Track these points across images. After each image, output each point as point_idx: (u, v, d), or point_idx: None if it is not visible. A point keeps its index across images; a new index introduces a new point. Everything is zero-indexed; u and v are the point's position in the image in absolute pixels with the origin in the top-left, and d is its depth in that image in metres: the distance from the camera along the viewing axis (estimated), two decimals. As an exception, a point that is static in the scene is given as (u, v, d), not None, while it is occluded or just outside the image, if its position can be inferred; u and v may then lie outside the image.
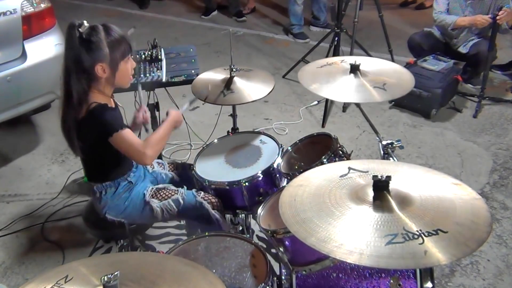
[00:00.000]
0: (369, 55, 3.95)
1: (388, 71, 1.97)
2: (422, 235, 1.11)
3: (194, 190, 2.01)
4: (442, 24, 3.74)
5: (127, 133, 1.77)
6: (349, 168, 1.42)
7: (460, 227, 1.13)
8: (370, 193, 1.26)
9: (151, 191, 1.97)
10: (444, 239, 1.10)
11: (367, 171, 1.40)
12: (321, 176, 1.42)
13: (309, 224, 1.20)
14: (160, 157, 2.72)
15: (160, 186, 2.02)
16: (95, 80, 1.77)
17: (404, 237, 1.11)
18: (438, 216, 1.17)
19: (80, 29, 1.70)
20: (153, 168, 2.16)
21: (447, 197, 1.25)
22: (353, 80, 1.89)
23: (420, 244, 1.09)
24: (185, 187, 2.02)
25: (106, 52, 1.72)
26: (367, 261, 1.07)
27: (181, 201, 1.95)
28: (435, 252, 1.06)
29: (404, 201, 1.24)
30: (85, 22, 1.72)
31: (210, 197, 1.98)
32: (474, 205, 1.22)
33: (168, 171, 2.20)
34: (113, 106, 1.88)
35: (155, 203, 1.94)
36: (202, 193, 2.00)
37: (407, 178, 1.36)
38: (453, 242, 1.09)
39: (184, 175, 2.19)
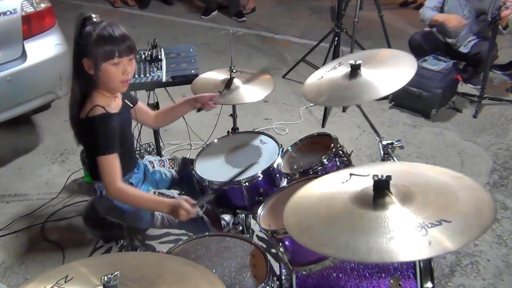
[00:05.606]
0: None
1: (386, 58, 1.94)
2: (426, 227, 1.11)
3: None
4: (421, 19, 3.82)
5: (112, 160, 1.73)
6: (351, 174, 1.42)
7: (465, 215, 1.14)
8: (371, 194, 1.26)
9: None
10: (449, 227, 1.10)
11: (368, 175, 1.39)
12: (320, 186, 1.42)
13: (313, 231, 1.21)
14: (160, 154, 2.72)
15: (164, 191, 2.00)
16: (91, 78, 1.74)
17: (410, 230, 1.11)
18: (441, 208, 1.18)
19: (85, 22, 1.71)
20: (154, 168, 2.15)
21: (447, 188, 1.26)
22: (355, 82, 1.84)
23: (424, 235, 1.09)
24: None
25: (89, 47, 1.68)
26: (374, 258, 1.08)
27: None
28: (442, 240, 1.07)
29: (407, 197, 1.23)
30: (93, 15, 1.71)
31: (210, 213, 1.98)
32: (476, 193, 1.22)
33: (169, 168, 2.19)
34: (117, 110, 1.82)
35: (157, 212, 1.92)
36: (204, 207, 1.98)
37: (404, 174, 1.36)
38: (458, 230, 1.10)
39: (184, 172, 2.17)
